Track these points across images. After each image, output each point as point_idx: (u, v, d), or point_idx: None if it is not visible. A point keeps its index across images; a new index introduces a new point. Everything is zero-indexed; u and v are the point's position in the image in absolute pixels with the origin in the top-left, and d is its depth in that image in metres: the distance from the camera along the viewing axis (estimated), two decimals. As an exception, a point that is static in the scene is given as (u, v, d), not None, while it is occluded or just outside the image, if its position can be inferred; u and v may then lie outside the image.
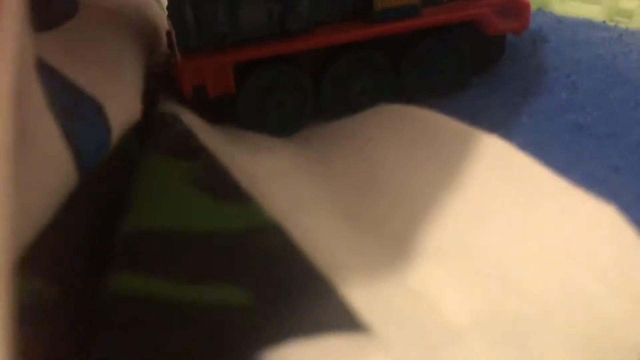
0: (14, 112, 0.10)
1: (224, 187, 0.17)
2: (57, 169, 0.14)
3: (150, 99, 0.21)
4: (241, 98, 0.22)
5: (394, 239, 0.16)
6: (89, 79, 0.17)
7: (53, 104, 0.14)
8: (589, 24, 0.27)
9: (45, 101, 0.14)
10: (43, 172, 0.13)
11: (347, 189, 0.18)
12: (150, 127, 0.19)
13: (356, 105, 0.23)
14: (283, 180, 0.18)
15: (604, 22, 0.27)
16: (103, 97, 0.17)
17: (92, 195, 0.16)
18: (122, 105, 0.18)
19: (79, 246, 0.16)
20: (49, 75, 0.15)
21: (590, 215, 0.16)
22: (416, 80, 0.23)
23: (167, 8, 0.22)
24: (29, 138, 0.13)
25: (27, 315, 0.11)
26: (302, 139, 0.22)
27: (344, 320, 0.14)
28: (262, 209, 0.16)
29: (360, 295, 0.14)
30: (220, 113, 0.22)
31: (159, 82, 0.22)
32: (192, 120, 0.20)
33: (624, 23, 0.27)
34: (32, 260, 0.13)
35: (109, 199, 0.17)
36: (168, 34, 0.23)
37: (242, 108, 0.22)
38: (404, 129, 0.20)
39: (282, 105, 0.22)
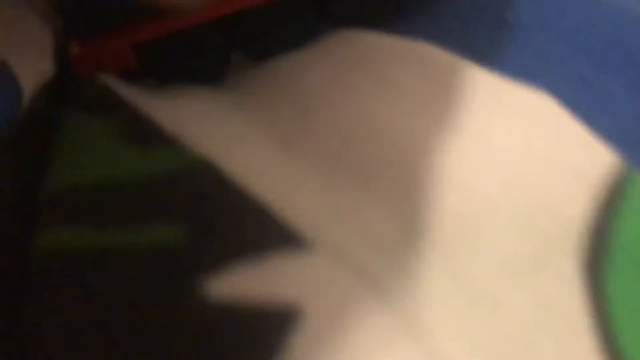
0: None
1: (146, 134, 0.16)
2: None
3: (63, 59, 0.20)
4: (151, 74, 0.20)
5: (331, 159, 0.16)
6: None
7: None
8: None
9: None
10: None
11: (278, 117, 0.17)
12: (66, 86, 0.18)
13: (278, 46, 0.20)
14: (210, 120, 0.17)
15: None
16: (8, 54, 0.16)
17: (9, 158, 0.15)
18: (31, 63, 0.17)
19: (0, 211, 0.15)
20: None
21: (521, 103, 0.15)
22: (343, 10, 0.20)
23: None
24: None
25: None
26: (228, 83, 0.21)
27: (284, 237, 0.13)
28: (190, 149, 0.16)
29: (301, 214, 0.14)
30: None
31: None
32: (108, 78, 0.19)
33: None
34: None
35: (28, 161, 0.16)
36: None
37: (154, 79, 0.20)
38: (334, 50, 0.19)
39: (197, 67, 0.20)
